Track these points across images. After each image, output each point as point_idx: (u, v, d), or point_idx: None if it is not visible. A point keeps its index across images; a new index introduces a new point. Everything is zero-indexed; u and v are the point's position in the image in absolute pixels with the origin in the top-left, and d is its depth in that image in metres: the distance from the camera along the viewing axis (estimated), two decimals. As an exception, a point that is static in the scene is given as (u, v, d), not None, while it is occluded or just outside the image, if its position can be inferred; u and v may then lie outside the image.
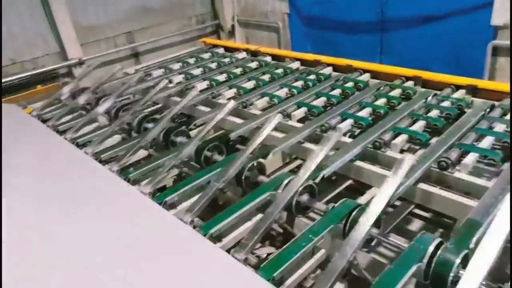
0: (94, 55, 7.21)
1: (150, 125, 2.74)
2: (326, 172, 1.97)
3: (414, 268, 1.35)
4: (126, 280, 1.40)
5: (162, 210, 1.78)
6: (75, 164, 2.25)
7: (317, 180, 1.92)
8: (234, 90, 3.21)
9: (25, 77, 6.56)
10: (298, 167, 2.36)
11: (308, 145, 2.36)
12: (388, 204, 1.58)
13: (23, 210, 1.86)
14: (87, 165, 2.22)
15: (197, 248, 1.54)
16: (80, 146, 2.55)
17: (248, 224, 1.80)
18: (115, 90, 3.49)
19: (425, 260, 1.36)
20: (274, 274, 1.38)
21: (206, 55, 4.29)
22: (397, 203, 1.77)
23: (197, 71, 3.76)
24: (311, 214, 1.90)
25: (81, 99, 3.28)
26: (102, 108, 2.90)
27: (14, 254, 1.58)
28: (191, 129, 2.64)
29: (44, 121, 3.01)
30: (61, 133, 2.80)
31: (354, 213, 1.64)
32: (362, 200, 1.91)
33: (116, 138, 2.69)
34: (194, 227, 1.71)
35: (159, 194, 1.95)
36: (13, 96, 5.65)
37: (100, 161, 2.31)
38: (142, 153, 2.44)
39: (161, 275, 1.41)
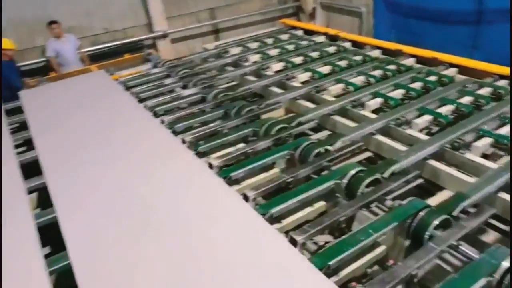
0: (178, 28, 7.53)
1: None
2: (396, 167, 1.90)
3: (482, 282, 1.26)
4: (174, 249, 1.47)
5: (222, 183, 1.83)
6: (148, 131, 2.37)
7: (385, 175, 1.85)
8: (309, 74, 3.17)
9: (115, 46, 7.06)
10: (367, 159, 2.29)
11: (380, 137, 2.27)
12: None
13: (92, 166, 2.03)
14: (158, 133, 2.34)
15: (251, 225, 1.56)
16: (158, 115, 2.70)
17: (309, 210, 1.80)
18: (195, 65, 3.65)
19: (497, 276, 1.26)
20: (330, 262, 1.37)
21: (284, 36, 4.27)
22: (471, 209, 1.64)
23: (273, 52, 3.76)
24: (374, 209, 1.84)
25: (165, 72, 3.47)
26: (189, 91, 3.05)
27: (86, 198, 1.79)
28: (261, 109, 2.66)
29: (128, 88, 3.23)
30: (142, 100, 2.99)
31: (421, 213, 1.56)
32: (431, 201, 1.81)
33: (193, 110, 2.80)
34: (256, 205, 1.76)
35: (225, 169, 2.02)
36: (103, 63, 6.11)
37: (174, 131, 2.44)
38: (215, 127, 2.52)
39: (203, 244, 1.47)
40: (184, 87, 3.20)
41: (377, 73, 3.06)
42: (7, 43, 5.74)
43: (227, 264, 1.38)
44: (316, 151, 2.05)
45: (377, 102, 2.63)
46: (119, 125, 2.45)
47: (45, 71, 6.34)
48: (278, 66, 3.42)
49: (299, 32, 4.41)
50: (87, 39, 6.85)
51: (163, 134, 2.32)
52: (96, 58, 6.59)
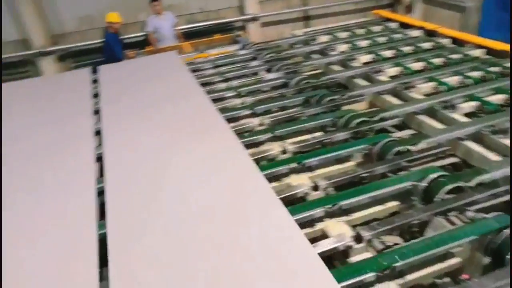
0: (269, 13, 7.59)
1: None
2: (484, 178, 1.75)
3: None
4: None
5: (260, 177, 1.74)
6: (201, 113, 2.35)
7: (471, 184, 1.72)
8: (398, 69, 3.01)
9: (207, 26, 7.35)
10: (452, 165, 2.14)
11: (470, 144, 2.10)
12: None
13: (144, 143, 2.07)
14: (211, 117, 2.29)
15: (279, 224, 1.46)
16: (241, 95, 2.79)
17: (380, 208, 1.75)
18: (281, 49, 3.69)
19: None
20: (396, 264, 1.33)
21: (376, 28, 4.10)
22: None
23: (363, 43, 3.63)
24: (452, 218, 1.72)
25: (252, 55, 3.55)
26: (272, 75, 3.10)
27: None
28: (344, 100, 2.61)
29: (216, 66, 3.37)
30: (226, 80, 3.10)
31: (506, 231, 1.43)
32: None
33: (273, 95, 2.84)
34: (326, 194, 1.75)
35: (300, 155, 2.03)
36: (195, 41, 6.42)
37: (254, 113, 2.50)
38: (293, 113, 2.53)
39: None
40: (268, 70, 3.25)
41: (476, 74, 2.80)
42: (115, 17, 6.27)
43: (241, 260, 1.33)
44: (397, 149, 1.97)
45: (471, 105, 2.42)
46: (175, 105, 2.46)
47: (143, 44, 6.83)
48: (366, 58, 3.30)
49: (393, 25, 4.19)
50: (183, 18, 7.22)
51: (216, 119, 2.27)
52: (189, 36, 6.93)
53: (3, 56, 6.47)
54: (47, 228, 1.55)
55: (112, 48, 6.20)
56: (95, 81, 3.01)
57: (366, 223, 1.61)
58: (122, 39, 6.60)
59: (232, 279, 1.26)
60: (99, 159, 1.99)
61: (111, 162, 1.92)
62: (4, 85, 3.08)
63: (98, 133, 2.24)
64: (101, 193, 1.73)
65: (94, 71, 3.22)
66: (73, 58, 7.05)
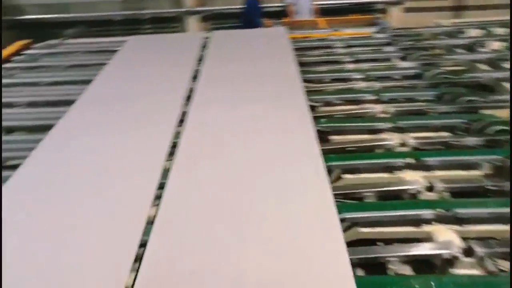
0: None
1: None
2: None
3: None
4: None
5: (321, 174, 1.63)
6: (287, 102, 2.24)
7: None
8: None
9: (346, 4, 7.17)
10: None
11: None
12: None
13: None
14: (295, 106, 2.19)
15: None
16: (369, 79, 2.71)
17: (502, 227, 1.57)
18: (422, 38, 3.43)
19: None
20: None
21: (546, 28, 3.51)
22: None
23: (524, 43, 3.16)
24: None
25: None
26: (406, 64, 2.95)
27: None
28: (484, 103, 2.34)
29: (348, 46, 3.30)
30: (355, 62, 3.02)
31: None
32: None
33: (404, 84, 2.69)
34: (441, 198, 1.64)
35: (419, 152, 1.92)
36: (330, 18, 6.31)
37: (379, 100, 2.41)
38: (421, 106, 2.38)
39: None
40: (403, 58, 3.07)
41: None
42: (261, -17, 6.49)
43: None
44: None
45: None
46: (264, 87, 2.43)
47: (281, 15, 6.98)
48: (524, 60, 2.88)
49: None
50: (323, -7, 7.13)
51: (298, 109, 2.16)
52: (326, 12, 6.84)
53: (159, 10, 7.29)
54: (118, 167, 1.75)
55: (251, 15, 6.47)
56: (204, 46, 3.20)
57: (479, 239, 1.47)
58: (262, 7, 6.82)
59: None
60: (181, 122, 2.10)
61: (191, 131, 2.00)
62: (131, 37, 3.55)
63: (188, 99, 2.35)
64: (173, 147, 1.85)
65: (207, 36, 3.45)
66: (214, 20, 7.56)
